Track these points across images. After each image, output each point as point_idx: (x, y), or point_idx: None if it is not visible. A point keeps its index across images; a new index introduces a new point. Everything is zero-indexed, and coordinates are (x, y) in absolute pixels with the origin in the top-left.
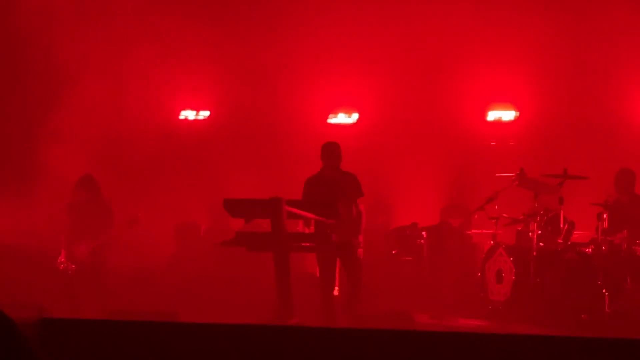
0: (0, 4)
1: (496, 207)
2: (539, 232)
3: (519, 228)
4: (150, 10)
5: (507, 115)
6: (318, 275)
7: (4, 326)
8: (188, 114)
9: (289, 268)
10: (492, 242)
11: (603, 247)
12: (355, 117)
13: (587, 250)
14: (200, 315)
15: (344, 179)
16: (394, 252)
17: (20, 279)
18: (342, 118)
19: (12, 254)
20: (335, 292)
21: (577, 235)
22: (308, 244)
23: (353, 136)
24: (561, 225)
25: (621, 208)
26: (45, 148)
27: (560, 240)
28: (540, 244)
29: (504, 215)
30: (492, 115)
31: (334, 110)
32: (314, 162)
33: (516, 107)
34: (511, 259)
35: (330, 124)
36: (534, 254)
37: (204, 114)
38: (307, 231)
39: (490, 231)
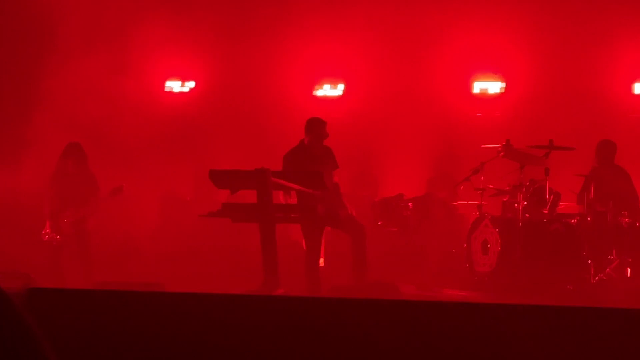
0: None
1: (482, 178)
2: (525, 203)
3: (505, 199)
4: None
5: (493, 86)
6: (304, 246)
7: None
8: (173, 85)
9: (275, 239)
10: (477, 213)
11: (588, 218)
12: (340, 88)
13: (573, 221)
14: (186, 286)
15: (324, 152)
16: (379, 223)
17: (5, 250)
18: (327, 90)
19: None
20: (321, 264)
21: (563, 206)
22: (294, 215)
23: (339, 108)
24: (547, 197)
25: (605, 179)
26: (31, 118)
27: (545, 211)
28: (526, 215)
29: (490, 186)
30: (477, 87)
31: (320, 82)
32: (300, 134)
33: (502, 78)
34: (497, 230)
35: (317, 96)
36: (520, 225)
37: (189, 84)
38: (288, 202)
39: (476, 202)
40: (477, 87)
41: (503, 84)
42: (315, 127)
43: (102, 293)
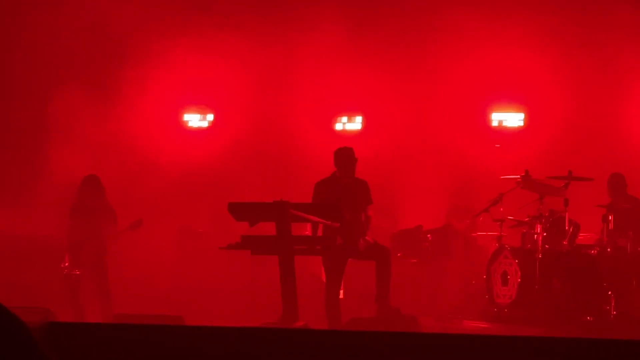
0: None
1: (501, 209)
2: (544, 234)
3: (524, 230)
4: (154, 14)
5: (512, 118)
6: (323, 278)
7: (17, 328)
8: (191, 118)
9: (294, 271)
10: (497, 245)
11: (608, 249)
12: (359, 121)
13: (593, 252)
14: (205, 319)
15: (356, 185)
16: (399, 254)
17: (25, 283)
18: (347, 123)
19: (17, 258)
20: (340, 295)
21: (582, 237)
22: (313, 247)
23: (358, 139)
24: (566, 227)
25: (622, 211)
26: (48, 151)
27: (565, 242)
28: (546, 246)
29: (509, 217)
30: (496, 118)
31: (339, 115)
32: (319, 167)
33: (521, 109)
34: (516, 261)
35: (335, 130)
36: (539, 256)
37: (208, 118)
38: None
39: (496, 233)
40: (496, 118)
41: (522, 115)
42: (339, 157)
43: (121, 327)
